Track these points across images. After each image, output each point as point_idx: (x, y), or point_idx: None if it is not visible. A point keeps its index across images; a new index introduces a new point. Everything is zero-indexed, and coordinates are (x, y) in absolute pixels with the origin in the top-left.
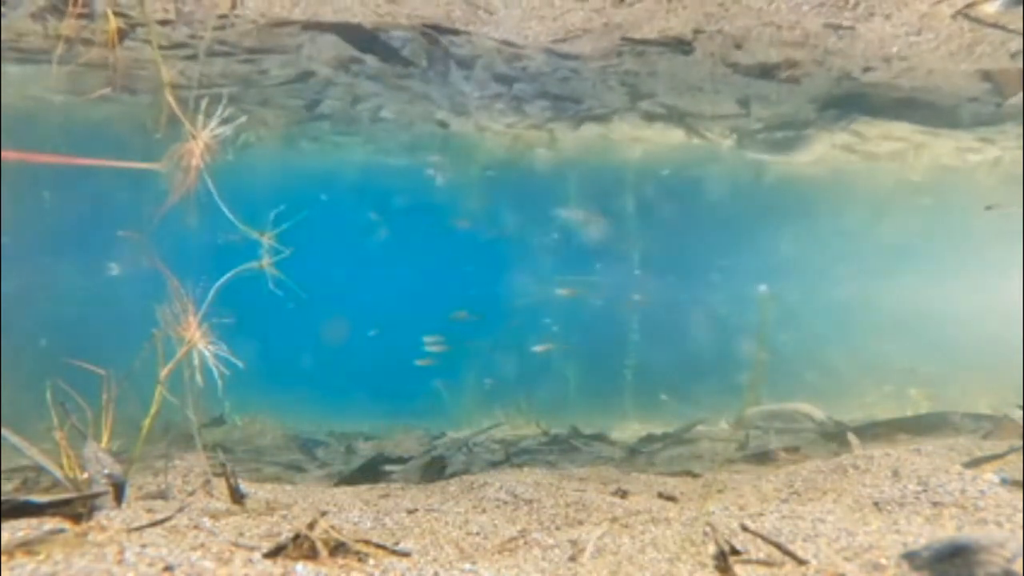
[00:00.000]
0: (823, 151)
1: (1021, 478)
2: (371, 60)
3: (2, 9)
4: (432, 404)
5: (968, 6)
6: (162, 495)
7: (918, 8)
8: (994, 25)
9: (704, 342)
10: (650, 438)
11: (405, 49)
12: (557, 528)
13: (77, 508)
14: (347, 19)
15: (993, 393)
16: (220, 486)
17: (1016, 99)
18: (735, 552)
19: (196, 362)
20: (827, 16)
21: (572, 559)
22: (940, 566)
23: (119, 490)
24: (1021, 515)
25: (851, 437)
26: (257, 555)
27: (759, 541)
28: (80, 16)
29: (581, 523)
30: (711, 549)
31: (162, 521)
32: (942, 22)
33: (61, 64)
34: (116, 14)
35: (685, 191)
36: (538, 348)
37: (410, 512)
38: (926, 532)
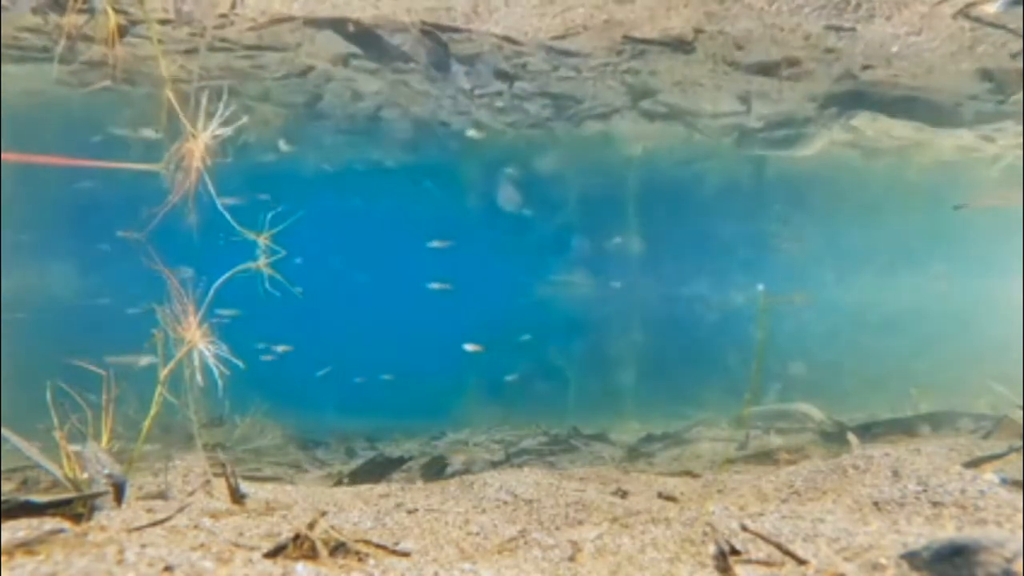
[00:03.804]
0: (823, 146)
1: (1021, 478)
2: (370, 57)
3: (2, 6)
4: (434, 404)
5: (968, 6)
6: (162, 495)
7: (919, 9)
8: (994, 25)
9: (704, 341)
10: (650, 438)
11: (404, 45)
12: (557, 528)
13: (77, 508)
14: (346, 15)
15: (993, 393)
16: (220, 486)
17: (1016, 97)
18: (735, 552)
19: (196, 362)
20: (828, 18)
21: (572, 559)
22: (940, 566)
23: (119, 490)
24: (1021, 515)
25: (851, 437)
26: (257, 555)
27: (759, 541)
28: (80, 12)
29: (581, 523)
30: (711, 549)
31: (162, 521)
32: (942, 22)
33: (62, 63)
34: (116, 11)
35: (687, 188)
36: (470, 347)
37: (410, 512)
38: (926, 532)
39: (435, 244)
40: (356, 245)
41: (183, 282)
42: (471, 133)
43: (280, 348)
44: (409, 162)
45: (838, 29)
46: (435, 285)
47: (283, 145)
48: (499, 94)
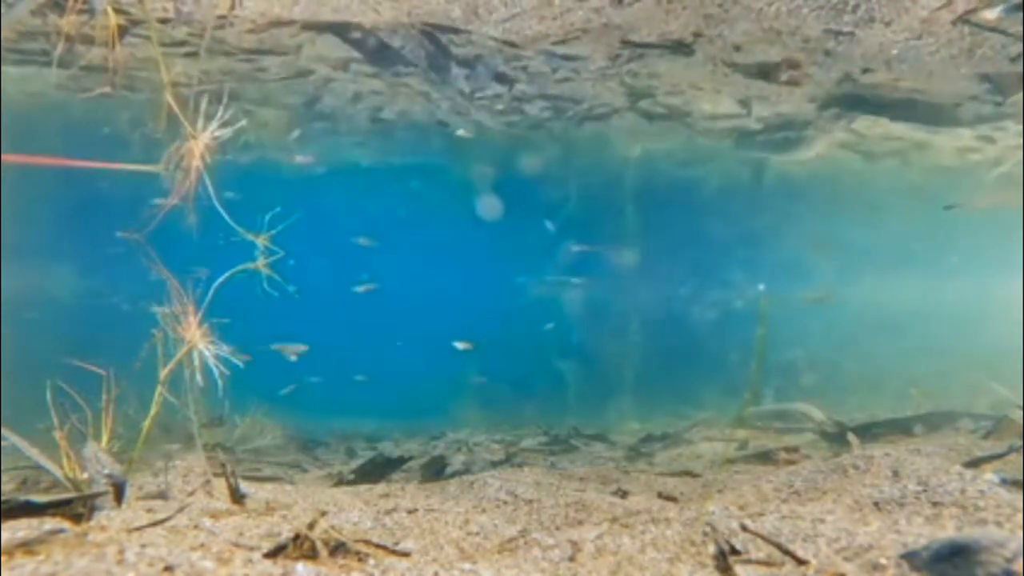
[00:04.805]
0: (823, 149)
1: (1021, 478)
2: (370, 61)
3: (2, 7)
4: (433, 403)
5: (968, 12)
6: (162, 495)
7: (918, 14)
8: (994, 30)
9: (705, 341)
10: (650, 438)
11: (404, 49)
12: (557, 528)
13: (77, 508)
14: (346, 19)
15: (993, 393)
16: (220, 486)
17: (1016, 98)
18: (735, 552)
19: (196, 362)
20: (827, 21)
21: (572, 559)
22: (940, 566)
23: (119, 490)
24: (1021, 515)
25: (851, 437)
26: (257, 555)
27: (759, 541)
28: (80, 12)
29: (581, 523)
30: (711, 549)
31: (162, 521)
32: (942, 27)
33: (61, 66)
34: (116, 11)
35: (688, 188)
36: (460, 344)
37: (410, 512)
38: (926, 532)
39: (361, 241)
40: (352, 245)
41: (185, 282)
42: (461, 132)
43: (293, 351)
44: (405, 161)
45: (837, 33)
46: (361, 288)
47: (294, 135)
48: (498, 97)
